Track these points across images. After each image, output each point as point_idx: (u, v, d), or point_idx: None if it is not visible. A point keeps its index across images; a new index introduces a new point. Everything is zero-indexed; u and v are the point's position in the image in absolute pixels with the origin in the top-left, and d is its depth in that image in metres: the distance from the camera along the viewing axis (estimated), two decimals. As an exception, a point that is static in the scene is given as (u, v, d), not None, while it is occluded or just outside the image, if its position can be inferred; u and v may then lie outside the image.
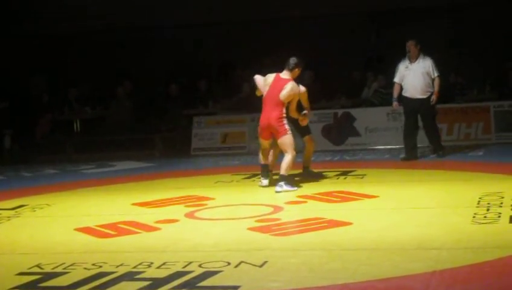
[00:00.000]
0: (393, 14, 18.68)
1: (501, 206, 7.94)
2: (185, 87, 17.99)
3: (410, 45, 12.76)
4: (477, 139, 14.87)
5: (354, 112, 15.85)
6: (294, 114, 10.45)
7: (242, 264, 6.08)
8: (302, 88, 10.58)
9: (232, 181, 11.54)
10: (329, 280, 5.57)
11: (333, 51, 18.67)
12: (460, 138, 15.22)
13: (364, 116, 15.81)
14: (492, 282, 5.39)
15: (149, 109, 17.55)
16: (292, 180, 10.39)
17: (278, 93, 10.21)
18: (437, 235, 6.84)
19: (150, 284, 5.67)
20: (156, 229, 7.89)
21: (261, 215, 8.26)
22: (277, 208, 8.68)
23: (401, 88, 12.84)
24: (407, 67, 12.76)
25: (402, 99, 12.85)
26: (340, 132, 15.69)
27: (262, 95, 10.54)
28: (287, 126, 10.23)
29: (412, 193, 9.55)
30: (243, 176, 11.94)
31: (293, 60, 10.41)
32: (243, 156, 15.50)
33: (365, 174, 11.33)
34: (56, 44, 19.51)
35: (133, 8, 19.23)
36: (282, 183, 9.98)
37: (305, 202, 9.14)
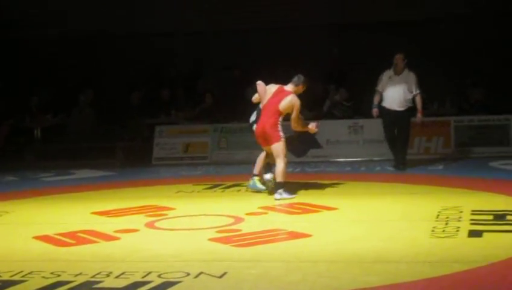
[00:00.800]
0: (355, 28, 18.82)
1: (460, 221, 8.02)
2: (147, 96, 17.95)
3: (398, 58, 13.08)
4: (437, 153, 15.06)
5: (316, 124, 15.89)
6: (297, 126, 10.70)
7: (202, 275, 6.07)
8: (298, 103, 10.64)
9: (193, 191, 11.52)
10: (288, 292, 5.59)
11: (296, 62, 18.76)
12: (420, 152, 15.38)
13: (326, 129, 15.86)
14: (449, 296, 5.45)
15: (111, 118, 17.46)
16: (290, 188, 10.46)
17: (278, 103, 10.44)
18: (396, 248, 6.89)
19: (108, 294, 5.64)
20: (115, 238, 7.84)
21: (222, 226, 8.25)
22: (238, 219, 8.67)
23: (381, 97, 13.14)
24: (390, 78, 13.07)
25: (381, 109, 13.11)
26: (302, 144, 15.68)
27: (258, 103, 10.77)
28: (281, 133, 10.45)
29: (372, 205, 9.61)
30: (205, 186, 11.93)
31: (300, 77, 10.75)
32: (204, 166, 15.50)
33: (326, 187, 11.38)
34: (16, 49, 19.35)
35: (96, 16, 19.13)
36: (281, 191, 10.14)
37: (266, 213, 9.16)
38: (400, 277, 5.83)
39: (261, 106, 10.75)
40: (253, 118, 11.12)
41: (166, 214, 9.27)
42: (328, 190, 11.11)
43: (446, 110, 16.60)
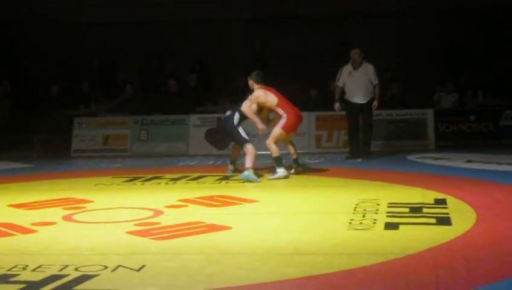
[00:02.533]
0: (278, 22, 18.92)
1: (377, 213, 8.14)
2: (66, 87, 17.69)
3: (355, 54, 13.57)
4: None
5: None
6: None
7: (119, 268, 6.01)
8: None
9: (112, 184, 11.41)
10: (206, 284, 5.58)
11: (218, 55, 18.78)
12: (339, 145, 15.56)
13: (247, 122, 15.86)
14: (365, 288, 5.52)
15: (29, 109, 17.15)
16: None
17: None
18: (314, 240, 6.95)
19: (25, 287, 5.53)
20: (32, 231, 7.71)
21: (141, 219, 8.19)
22: (157, 212, 8.63)
23: (342, 91, 13.67)
24: (350, 73, 13.51)
25: (345, 102, 13.61)
26: (224, 137, 15.71)
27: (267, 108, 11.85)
28: None
29: (292, 198, 9.69)
30: (124, 179, 11.83)
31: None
32: (124, 159, 15.36)
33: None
34: None
35: (14, 6, 18.76)
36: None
37: (186, 206, 9.13)
38: (318, 269, 5.89)
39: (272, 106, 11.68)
40: (235, 119, 11.74)
41: (85, 207, 9.16)
42: (248, 182, 11.14)
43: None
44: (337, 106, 13.69)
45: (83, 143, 16.24)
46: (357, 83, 13.48)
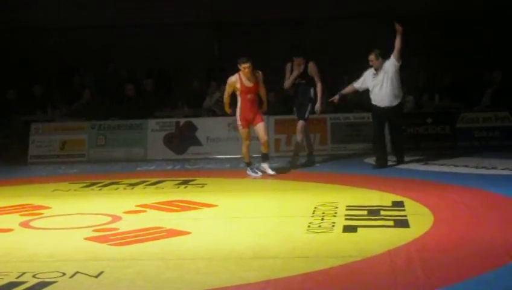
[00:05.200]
0: (237, 26, 18.94)
1: (335, 216, 8.19)
2: (23, 92, 17.49)
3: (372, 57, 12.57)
4: (314, 149, 15.25)
5: (196, 121, 15.93)
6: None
7: (77, 274, 5.98)
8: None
9: (70, 190, 11.32)
10: (165, 290, 5.58)
11: (177, 60, 18.73)
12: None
13: (206, 126, 15.92)
14: (324, 290, 5.55)
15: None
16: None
17: None
18: (273, 244, 6.97)
19: (-19, 295, 5.49)
20: (-12, 238, 7.64)
21: (99, 225, 8.15)
22: (115, 218, 8.58)
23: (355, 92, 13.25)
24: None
25: (371, 107, 12.84)
26: (182, 141, 15.72)
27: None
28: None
29: (250, 202, 9.70)
30: (82, 185, 11.74)
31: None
32: (82, 164, 15.24)
33: (205, 184, 11.41)
34: None
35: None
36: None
37: (145, 211, 9.09)
38: (277, 273, 5.91)
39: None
40: None
41: (42, 213, 9.08)
42: (207, 187, 11.13)
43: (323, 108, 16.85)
44: (336, 97, 13.12)
45: (40, 149, 16.06)
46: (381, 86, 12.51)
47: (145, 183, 11.62)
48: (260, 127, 11.95)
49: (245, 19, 18.87)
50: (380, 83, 12.52)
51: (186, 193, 10.50)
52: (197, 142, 15.69)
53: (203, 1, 19.18)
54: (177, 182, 11.65)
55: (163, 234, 7.60)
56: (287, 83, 13.23)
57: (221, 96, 16.75)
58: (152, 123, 16.05)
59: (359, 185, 10.59)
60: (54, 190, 11.28)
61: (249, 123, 11.91)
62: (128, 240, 7.37)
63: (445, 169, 12.38)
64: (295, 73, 13.05)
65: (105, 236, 7.54)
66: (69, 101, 17.45)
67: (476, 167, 12.45)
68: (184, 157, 15.46)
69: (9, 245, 7.36)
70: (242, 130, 11.97)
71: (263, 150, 12.06)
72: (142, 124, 16.00)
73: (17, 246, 7.31)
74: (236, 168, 13.23)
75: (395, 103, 12.61)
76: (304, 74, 13.03)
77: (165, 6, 19.14)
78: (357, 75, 13.07)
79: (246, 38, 18.62)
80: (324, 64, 14.25)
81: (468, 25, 18.32)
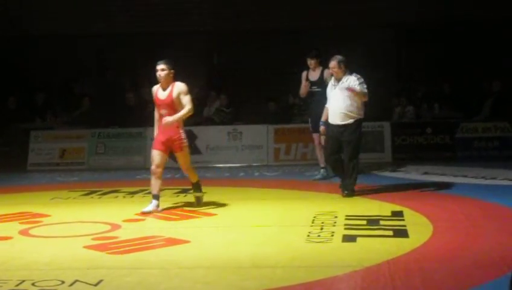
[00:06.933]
0: (236, 35, 18.95)
1: (334, 225, 8.19)
2: (23, 100, 17.50)
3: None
4: (314, 159, 15.26)
5: (195, 130, 15.93)
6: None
7: (77, 283, 5.98)
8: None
9: (69, 198, 11.32)
10: (164, 299, 5.58)
11: (176, 69, 18.72)
12: (297, 158, 15.61)
13: (206, 135, 15.94)
14: (323, 300, 5.56)
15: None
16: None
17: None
18: (272, 253, 6.97)
19: (-21, 303, 5.49)
20: (-13, 246, 7.64)
21: (98, 233, 8.15)
22: (115, 226, 8.58)
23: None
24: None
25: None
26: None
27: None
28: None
29: (250, 211, 9.70)
30: (81, 193, 11.74)
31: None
32: (81, 172, 15.25)
33: (205, 192, 11.37)
34: None
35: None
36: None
37: (144, 219, 9.10)
38: (276, 282, 5.91)
39: None
40: None
41: (41, 221, 9.08)
42: (206, 195, 11.10)
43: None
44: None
45: (40, 157, 16.07)
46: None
47: (144, 192, 11.61)
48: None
49: (244, 28, 18.88)
50: (335, 96, 10.68)
51: (185, 202, 10.49)
52: (197, 151, 15.68)
53: (202, 10, 19.20)
54: (176, 190, 11.65)
55: (163, 242, 7.60)
56: (303, 90, 12.53)
57: (221, 105, 16.87)
58: (152, 131, 16.02)
59: (358, 194, 10.59)
60: (53, 198, 11.28)
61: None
62: (128, 248, 7.37)
63: (445, 179, 12.38)
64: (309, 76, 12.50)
65: (104, 244, 7.53)
66: (70, 109, 17.46)
67: (476, 177, 12.47)
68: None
69: (9, 253, 7.35)
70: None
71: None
72: (141, 133, 16.01)
73: (16, 254, 7.30)
74: (236, 177, 13.24)
75: (347, 122, 10.54)
76: (320, 81, 12.31)
77: (164, 15, 19.15)
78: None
79: (246, 47, 18.64)
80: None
81: (467, 35, 18.34)
